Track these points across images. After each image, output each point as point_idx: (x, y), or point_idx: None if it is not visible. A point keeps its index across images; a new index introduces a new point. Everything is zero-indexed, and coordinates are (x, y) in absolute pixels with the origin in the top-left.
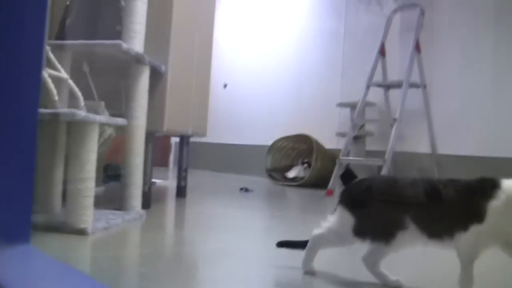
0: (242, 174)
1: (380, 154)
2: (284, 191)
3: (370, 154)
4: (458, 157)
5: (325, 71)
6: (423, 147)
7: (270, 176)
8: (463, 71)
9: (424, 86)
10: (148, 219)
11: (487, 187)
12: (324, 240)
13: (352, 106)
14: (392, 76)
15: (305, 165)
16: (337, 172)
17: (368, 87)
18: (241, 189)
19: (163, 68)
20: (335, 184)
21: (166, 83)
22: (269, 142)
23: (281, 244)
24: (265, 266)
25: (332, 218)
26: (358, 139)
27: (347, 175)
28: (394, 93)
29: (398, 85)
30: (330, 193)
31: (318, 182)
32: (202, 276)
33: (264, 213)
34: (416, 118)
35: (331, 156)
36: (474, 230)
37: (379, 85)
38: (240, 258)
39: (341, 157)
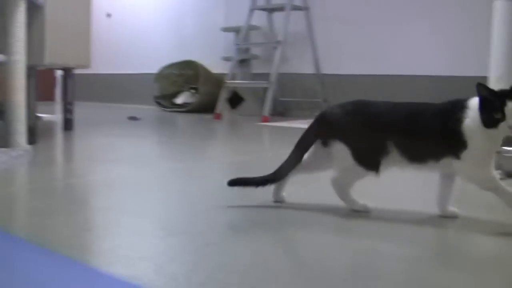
0: (130, 104)
1: (266, 76)
2: (173, 117)
3: (256, 76)
4: (339, 75)
5: None
6: (308, 68)
7: (158, 103)
8: None
9: (307, 9)
10: (36, 155)
11: (456, 109)
12: (344, 180)
13: (237, 30)
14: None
15: (193, 90)
16: (224, 96)
17: (251, 10)
18: (129, 118)
19: (40, 0)
20: (223, 107)
21: (44, 16)
22: (156, 70)
23: (234, 183)
24: (158, 192)
25: (334, 156)
26: (243, 62)
27: (234, 98)
28: (278, 16)
29: (281, 8)
30: (218, 116)
31: (206, 107)
32: (95, 207)
33: (153, 140)
34: (300, 40)
35: (218, 81)
36: (465, 156)
37: (263, 9)
38: (131, 186)
39: (227, 81)
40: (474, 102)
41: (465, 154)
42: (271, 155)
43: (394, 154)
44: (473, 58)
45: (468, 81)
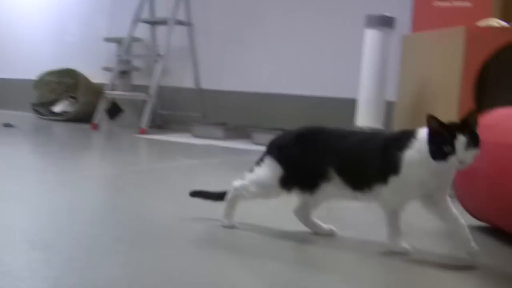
0: (5, 110)
1: (146, 88)
2: (50, 126)
3: (136, 88)
4: (218, 91)
5: (92, 5)
6: (188, 82)
7: (36, 111)
8: (227, 10)
9: (190, 24)
10: None
11: (403, 138)
12: (246, 192)
13: (119, 41)
14: (160, 13)
15: (72, 99)
16: (102, 106)
17: (135, 22)
18: (4, 124)
19: None
20: (101, 118)
21: None
22: (34, 77)
23: (195, 194)
24: (25, 204)
25: (258, 170)
26: (124, 73)
27: (113, 109)
28: (160, 30)
29: (164, 22)
30: (95, 126)
31: (85, 117)
32: None
33: (26, 149)
34: (182, 54)
35: (97, 91)
36: (392, 182)
37: (146, 22)
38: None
39: (106, 92)
40: (422, 133)
41: (392, 180)
42: (144, 168)
43: (334, 181)
44: (345, 81)
45: (340, 102)
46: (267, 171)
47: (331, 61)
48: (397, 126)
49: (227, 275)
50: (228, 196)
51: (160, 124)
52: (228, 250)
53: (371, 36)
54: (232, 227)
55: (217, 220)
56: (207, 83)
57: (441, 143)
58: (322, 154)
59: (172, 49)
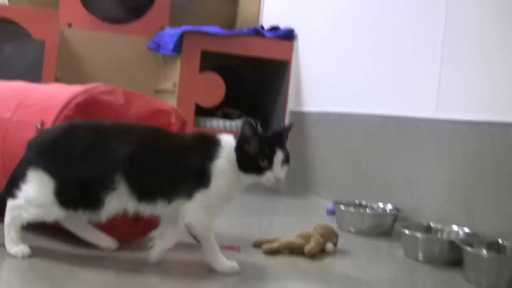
0: None
1: None
2: None
3: None
4: None
5: None
6: None
7: None
8: None
9: None
10: None
11: (206, 144)
12: (24, 213)
13: None
14: None
15: None
16: None
17: None
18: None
19: None
20: None
21: None
22: None
23: None
24: None
25: (25, 185)
26: None
27: None
28: None
29: None
30: None
31: None
32: None
33: None
34: None
35: None
36: (201, 196)
37: None
38: None
39: None
40: (227, 140)
41: (200, 194)
42: None
43: (122, 190)
44: None
45: None
46: (36, 185)
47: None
48: None
49: None
50: (6, 220)
51: None
52: None
53: None
54: (26, 253)
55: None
56: None
57: (256, 155)
58: (105, 156)
59: None
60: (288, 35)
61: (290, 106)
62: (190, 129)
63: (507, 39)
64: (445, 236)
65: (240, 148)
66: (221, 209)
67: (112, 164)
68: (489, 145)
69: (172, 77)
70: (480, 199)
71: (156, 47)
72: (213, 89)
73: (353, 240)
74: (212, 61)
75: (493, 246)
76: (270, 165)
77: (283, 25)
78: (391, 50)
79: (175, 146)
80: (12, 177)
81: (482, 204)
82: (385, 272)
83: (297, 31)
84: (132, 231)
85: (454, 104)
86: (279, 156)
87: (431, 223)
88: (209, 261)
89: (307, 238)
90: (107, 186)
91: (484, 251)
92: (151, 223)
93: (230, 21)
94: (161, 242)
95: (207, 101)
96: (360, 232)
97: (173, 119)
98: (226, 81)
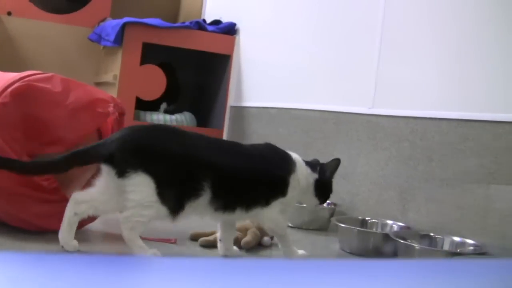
0: None
1: None
2: None
3: None
4: None
5: None
6: None
7: None
8: None
9: None
10: None
11: (286, 159)
12: (139, 218)
13: None
14: None
15: None
16: None
17: None
18: None
19: None
20: None
21: None
22: None
23: None
24: None
25: (129, 193)
26: None
27: None
28: None
29: None
30: None
31: None
32: None
33: None
34: None
35: None
36: (279, 203)
37: None
38: None
39: None
40: (296, 156)
41: (278, 202)
42: None
43: (205, 197)
44: None
45: None
46: (140, 187)
47: None
48: None
49: None
50: (126, 236)
51: None
52: None
53: None
54: (158, 254)
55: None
56: None
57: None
58: (196, 162)
59: None
60: (230, 29)
61: (231, 101)
62: (130, 122)
63: (441, 37)
64: (379, 229)
65: (322, 181)
66: (290, 212)
67: (203, 171)
68: (423, 141)
69: (113, 69)
70: (415, 194)
71: (98, 38)
72: (154, 82)
73: (290, 234)
74: (154, 55)
75: (425, 239)
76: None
77: (225, 19)
78: (330, 47)
79: (255, 158)
80: (77, 154)
81: (416, 198)
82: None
83: (239, 25)
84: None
85: (390, 100)
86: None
87: (366, 217)
88: (285, 253)
89: (244, 231)
90: (193, 192)
91: (416, 244)
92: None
93: (173, 14)
94: (223, 244)
95: (147, 94)
96: (297, 226)
97: (111, 109)
98: (167, 75)
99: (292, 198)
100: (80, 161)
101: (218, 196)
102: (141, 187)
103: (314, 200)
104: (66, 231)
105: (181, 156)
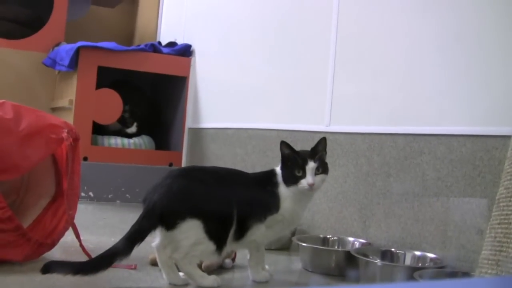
0: None
1: None
2: None
3: None
4: None
5: None
6: None
7: None
8: None
9: None
10: None
11: (271, 176)
12: (193, 253)
13: None
14: None
15: None
16: None
17: None
18: None
19: None
20: None
21: None
22: None
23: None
24: None
25: (180, 236)
26: None
27: None
28: None
29: None
30: None
31: None
32: None
33: None
34: None
35: None
36: (271, 219)
37: None
38: None
39: None
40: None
41: (272, 217)
42: None
43: (233, 228)
44: None
45: None
46: (190, 230)
47: None
48: None
49: None
50: (184, 269)
51: None
52: None
53: None
54: (219, 281)
55: None
56: None
57: (293, 168)
58: (225, 195)
59: None
60: (186, 51)
61: (189, 123)
62: (87, 147)
63: (394, 53)
64: (341, 247)
65: (282, 165)
66: (289, 228)
67: (231, 204)
68: (380, 156)
69: (69, 94)
70: (374, 210)
71: (52, 63)
72: (110, 106)
73: None
74: (110, 77)
75: (387, 255)
76: (303, 174)
77: (180, 41)
78: (285, 67)
79: (257, 182)
80: (137, 231)
81: (376, 214)
82: (284, 285)
83: (195, 47)
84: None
85: (346, 117)
86: (310, 165)
87: (328, 235)
88: (250, 268)
89: None
90: (229, 225)
91: (378, 260)
92: (42, 244)
93: (128, 37)
94: (251, 265)
95: (104, 118)
96: None
97: (65, 134)
98: (124, 97)
99: (285, 211)
100: (141, 240)
101: (238, 226)
102: (191, 231)
103: (294, 188)
104: (171, 274)
105: (217, 193)
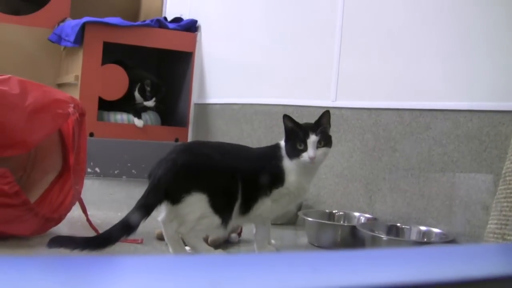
0: None
1: None
2: None
3: None
4: None
5: None
6: None
7: None
8: None
9: None
10: None
11: (276, 149)
12: (199, 227)
13: None
14: None
15: None
16: None
17: None
18: None
19: None
20: None
21: None
22: None
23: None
24: None
25: (185, 210)
26: None
27: None
28: None
29: None
30: None
31: None
32: None
33: None
34: None
35: None
36: (276, 192)
37: None
38: None
39: None
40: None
41: (278, 191)
42: None
43: (238, 202)
44: None
45: None
46: (195, 204)
47: None
48: None
49: None
50: (191, 243)
51: None
52: None
53: None
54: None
55: None
56: None
57: (295, 141)
58: (230, 169)
59: None
60: (192, 27)
61: (195, 98)
62: (93, 122)
63: (399, 29)
64: (346, 222)
65: (285, 139)
66: (295, 201)
67: (237, 178)
68: (386, 131)
69: (74, 70)
70: (380, 185)
71: (58, 39)
72: (116, 82)
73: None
74: (115, 53)
75: (392, 230)
76: (305, 147)
77: (186, 16)
78: (291, 42)
79: (262, 156)
80: (143, 206)
81: (382, 189)
82: None
83: (200, 22)
84: (30, 226)
85: (352, 93)
86: (312, 139)
87: (333, 210)
88: (256, 242)
89: None
90: (234, 199)
91: (384, 235)
92: (49, 219)
93: (133, 13)
94: (257, 239)
95: (110, 94)
96: None
97: (71, 109)
98: (129, 73)
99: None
100: (147, 214)
101: (243, 200)
102: (196, 205)
103: (296, 160)
104: (177, 248)
105: (222, 167)
